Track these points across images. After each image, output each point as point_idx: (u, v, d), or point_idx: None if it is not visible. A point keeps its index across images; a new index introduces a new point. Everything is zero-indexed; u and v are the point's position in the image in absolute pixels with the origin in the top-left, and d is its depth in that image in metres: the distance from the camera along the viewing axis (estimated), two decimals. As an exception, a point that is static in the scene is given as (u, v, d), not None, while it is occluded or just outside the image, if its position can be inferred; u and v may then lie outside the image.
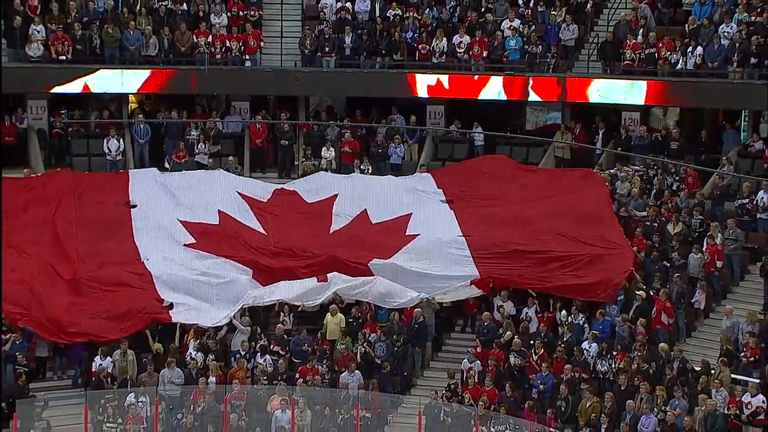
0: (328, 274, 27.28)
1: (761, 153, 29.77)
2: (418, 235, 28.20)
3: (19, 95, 32.16)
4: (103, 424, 24.66)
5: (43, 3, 32.34)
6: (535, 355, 25.79)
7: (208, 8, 33.21)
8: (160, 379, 25.45)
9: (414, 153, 32.65)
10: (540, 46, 32.30)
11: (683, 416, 23.31)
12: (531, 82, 31.72)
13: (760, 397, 23.22)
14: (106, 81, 31.92)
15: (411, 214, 28.76)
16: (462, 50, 32.45)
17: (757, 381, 23.72)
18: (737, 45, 30.25)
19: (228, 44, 32.70)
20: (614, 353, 25.42)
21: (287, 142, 32.51)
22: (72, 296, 26.73)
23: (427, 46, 32.59)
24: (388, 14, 33.39)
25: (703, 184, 29.54)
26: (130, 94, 32.96)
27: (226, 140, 32.68)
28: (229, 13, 33.32)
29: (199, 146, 31.88)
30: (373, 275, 27.44)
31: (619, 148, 30.95)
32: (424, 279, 27.50)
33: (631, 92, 31.15)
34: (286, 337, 26.73)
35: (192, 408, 24.83)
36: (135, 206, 28.75)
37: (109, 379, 25.54)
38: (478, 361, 26.03)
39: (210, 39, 32.54)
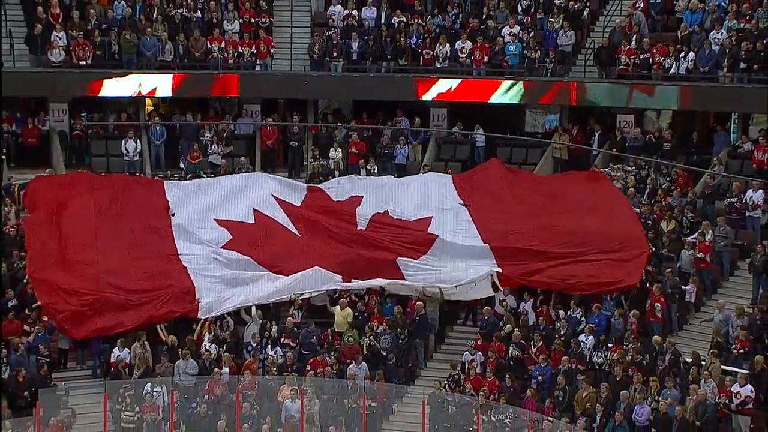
0: (352, 280, 27.37)
1: (750, 154, 29.70)
2: (438, 236, 28.05)
3: (42, 99, 32.25)
4: (121, 412, 24.68)
5: (65, 11, 32.39)
6: (534, 348, 25.79)
7: (221, 15, 33.27)
8: (176, 369, 25.44)
9: (418, 154, 32.65)
10: (539, 52, 32.32)
11: (675, 405, 23.29)
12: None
13: (749, 387, 23.18)
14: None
15: (431, 217, 28.62)
16: (464, 55, 32.47)
17: (746, 372, 23.65)
18: (727, 51, 30.24)
19: (240, 50, 32.73)
20: (609, 345, 25.40)
21: (297, 143, 32.55)
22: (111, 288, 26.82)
23: (431, 52, 32.63)
24: (393, 21, 33.39)
25: (694, 184, 29.51)
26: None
27: (239, 141, 32.72)
28: (241, 20, 33.36)
29: (213, 147, 31.91)
30: (402, 274, 27.49)
31: (615, 149, 30.97)
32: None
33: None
34: (295, 329, 26.76)
35: (207, 397, 24.81)
36: (173, 214, 28.69)
37: (126, 369, 25.60)
38: (479, 353, 26.04)
39: (223, 45, 32.60)
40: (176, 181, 30.21)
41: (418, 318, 27.10)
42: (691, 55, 30.68)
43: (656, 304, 26.00)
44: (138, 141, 31.78)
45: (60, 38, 31.78)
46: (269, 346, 26.34)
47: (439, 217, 28.62)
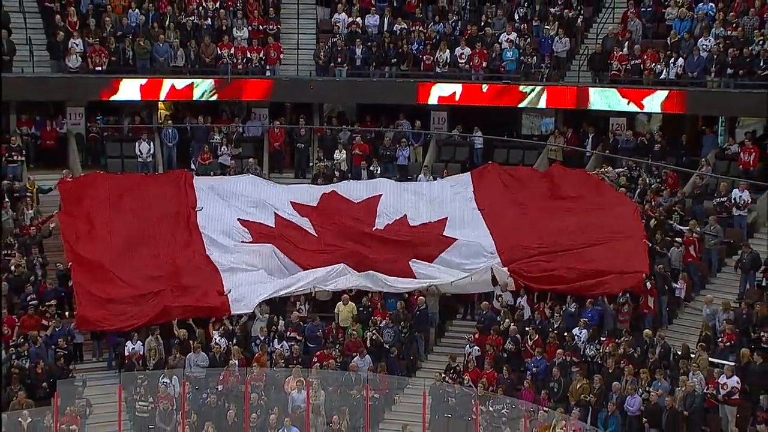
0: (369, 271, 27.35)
1: (736, 155, 29.71)
2: (455, 240, 28.01)
3: (60, 103, 32.26)
4: (135, 402, 24.70)
5: (82, 19, 32.43)
6: (530, 341, 25.80)
7: (230, 23, 33.28)
8: (187, 362, 25.47)
9: (419, 155, 32.64)
10: (534, 58, 32.30)
11: (665, 396, 23.31)
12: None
13: (735, 378, 23.20)
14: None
15: (447, 218, 28.54)
16: (463, 61, 32.45)
17: (733, 364, 23.69)
18: (715, 57, 30.22)
19: (249, 55, 32.74)
20: (602, 339, 25.42)
21: (303, 145, 32.54)
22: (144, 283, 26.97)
23: (431, 57, 32.60)
24: (395, 28, 33.38)
25: (683, 184, 29.52)
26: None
27: (247, 143, 32.75)
28: (249, 27, 33.36)
29: (222, 149, 31.89)
30: (415, 275, 27.48)
31: (607, 151, 30.96)
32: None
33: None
34: (301, 324, 26.78)
35: (220, 387, 24.83)
36: (201, 209, 28.74)
37: (140, 361, 25.65)
38: (476, 347, 26.05)
39: (232, 51, 32.59)
40: (204, 178, 30.18)
41: (419, 312, 27.11)
42: (681, 61, 30.66)
43: (650, 297, 26.04)
44: (151, 143, 31.79)
45: (77, 45, 31.77)
46: (276, 339, 26.35)
47: (455, 221, 28.50)
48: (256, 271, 27.64)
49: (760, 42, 29.72)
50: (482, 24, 33.36)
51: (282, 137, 32.73)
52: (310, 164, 32.45)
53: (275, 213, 28.84)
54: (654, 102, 30.85)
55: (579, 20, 33.18)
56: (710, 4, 31.56)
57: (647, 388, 23.65)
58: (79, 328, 26.32)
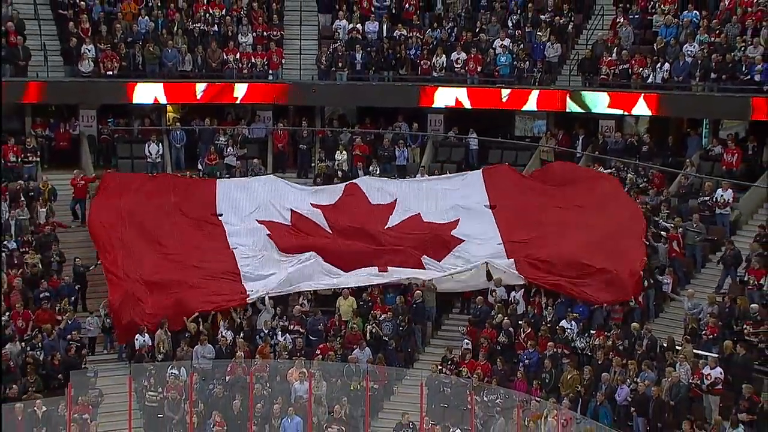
0: (388, 267, 27.34)
1: (720, 156, 29.69)
2: (464, 240, 27.99)
3: (73, 106, 32.27)
4: (145, 392, 24.73)
5: (94, 26, 32.43)
6: (523, 334, 25.82)
7: (236, 29, 33.27)
8: (194, 354, 25.52)
9: (417, 156, 32.65)
10: (527, 62, 32.34)
11: (651, 386, 23.31)
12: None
13: (718, 369, 23.23)
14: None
15: (458, 219, 28.54)
16: (459, 65, 32.48)
17: (716, 355, 23.73)
18: (699, 62, 30.21)
19: (253, 60, 32.77)
20: (592, 332, 25.45)
21: (305, 146, 32.55)
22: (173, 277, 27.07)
23: (428, 62, 32.62)
24: (393, 34, 33.40)
25: (669, 184, 29.53)
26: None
27: (252, 144, 32.74)
28: (254, 34, 33.36)
29: (228, 150, 31.92)
30: (425, 268, 27.47)
31: (597, 152, 30.98)
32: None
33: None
34: (304, 317, 26.80)
35: (227, 379, 24.84)
36: (221, 215, 28.85)
37: (149, 353, 25.67)
38: (468, 339, 26.04)
39: (238, 56, 32.61)
40: (227, 180, 30.23)
41: (415, 305, 27.14)
42: (667, 65, 30.65)
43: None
44: (160, 144, 31.78)
45: (89, 51, 31.78)
46: (280, 332, 26.38)
47: (466, 220, 28.48)
48: (275, 270, 27.56)
49: (742, 48, 29.70)
50: (477, 30, 33.38)
51: (285, 139, 32.72)
52: (312, 164, 32.47)
53: (291, 210, 28.83)
54: (638, 106, 30.90)
55: (570, 27, 33.19)
56: (695, 11, 31.55)
57: (635, 379, 23.65)
58: (121, 342, 26.35)
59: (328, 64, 32.82)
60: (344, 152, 31.97)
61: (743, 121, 30.84)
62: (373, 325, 26.48)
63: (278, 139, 32.66)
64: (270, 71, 32.77)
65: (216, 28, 33.29)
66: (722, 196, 27.91)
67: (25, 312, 25.94)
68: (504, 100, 31.96)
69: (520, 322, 26.08)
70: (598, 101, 31.25)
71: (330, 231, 28.63)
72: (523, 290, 26.95)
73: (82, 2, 32.80)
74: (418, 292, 27.21)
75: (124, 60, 32.00)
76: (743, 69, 29.41)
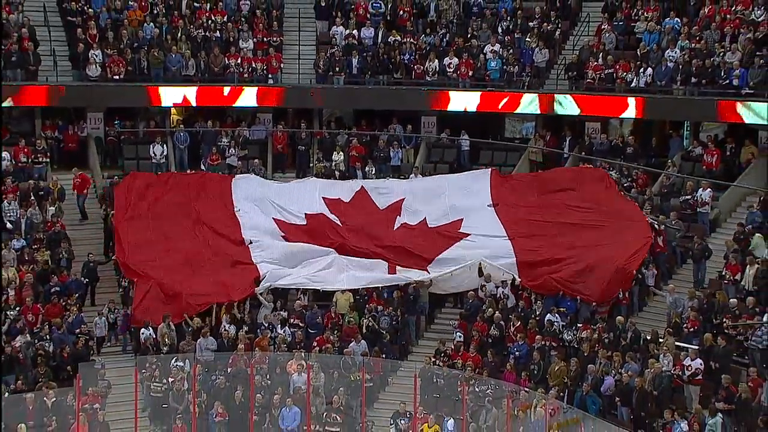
0: (397, 267, 27.25)
1: (700, 157, 29.77)
2: (469, 234, 27.89)
3: (81, 108, 32.23)
4: (150, 383, 24.76)
5: (101, 32, 32.40)
6: (513, 327, 25.85)
7: (237, 35, 33.25)
8: (197, 346, 25.55)
9: (410, 156, 32.67)
10: (516, 67, 32.36)
11: (635, 377, 23.40)
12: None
13: (699, 360, 23.30)
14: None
15: (462, 219, 28.44)
16: (451, 70, 32.50)
17: (696, 347, 23.80)
18: (680, 67, 30.28)
19: (254, 65, 32.76)
20: (578, 325, 25.49)
21: (304, 148, 32.55)
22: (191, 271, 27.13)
23: (422, 67, 32.64)
24: (388, 40, 33.40)
25: (653, 183, 29.58)
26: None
27: (252, 145, 32.71)
28: (254, 39, 33.34)
29: (230, 151, 31.91)
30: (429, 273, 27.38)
31: (583, 153, 31.02)
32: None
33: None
34: (303, 311, 26.82)
35: (229, 370, 24.87)
36: (239, 210, 28.87)
37: (154, 346, 25.70)
38: (460, 333, 26.09)
39: (239, 61, 32.59)
40: (243, 179, 30.14)
41: (411, 297, 27.18)
42: (649, 70, 30.70)
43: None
44: (164, 145, 31.73)
45: (96, 56, 31.76)
46: (279, 325, 26.40)
47: (471, 218, 28.38)
48: (284, 263, 27.61)
49: (721, 54, 29.77)
50: (468, 36, 33.39)
51: (284, 140, 32.73)
52: (310, 165, 32.46)
53: (305, 213, 28.77)
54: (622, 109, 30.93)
55: (557, 33, 33.23)
56: (676, 19, 31.58)
57: (619, 370, 23.71)
58: (132, 323, 26.30)
59: (325, 68, 32.82)
60: (341, 153, 31.98)
61: (722, 123, 30.89)
62: (369, 318, 26.49)
63: (278, 140, 32.67)
64: (270, 75, 32.74)
65: (218, 33, 33.27)
66: (702, 195, 27.95)
67: (35, 306, 25.94)
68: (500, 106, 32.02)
69: (510, 316, 26.10)
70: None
71: (343, 230, 28.49)
72: (509, 285, 26.90)
73: (89, 10, 32.80)
74: (412, 285, 27.18)
75: (130, 65, 31.96)
76: (722, 74, 29.46)
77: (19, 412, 22.96)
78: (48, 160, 30.73)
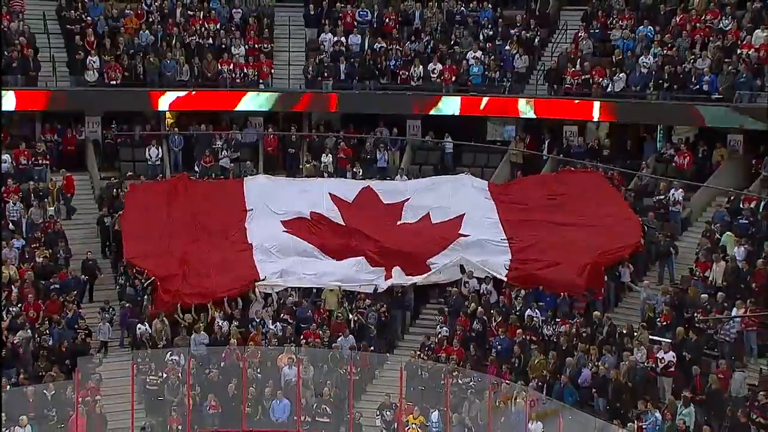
0: (392, 269, 27.18)
1: (673, 159, 29.91)
2: (468, 235, 27.79)
3: (79, 113, 32.11)
4: (146, 376, 24.75)
5: (99, 39, 32.32)
6: (494, 322, 25.89)
7: (229, 42, 33.20)
8: (191, 341, 25.48)
9: (396, 158, 32.64)
10: (498, 73, 32.41)
11: (611, 369, 23.49)
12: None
13: (671, 353, 23.41)
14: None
15: (464, 214, 28.33)
16: (435, 75, 32.52)
17: (669, 341, 23.89)
18: (653, 73, 30.40)
19: (245, 71, 32.73)
20: (557, 320, 25.54)
21: (293, 150, 32.53)
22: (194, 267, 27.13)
23: (407, 72, 32.63)
24: (375, 46, 33.41)
25: (628, 184, 29.66)
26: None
27: (244, 148, 32.60)
28: (246, 46, 33.29)
29: (223, 153, 31.84)
30: (430, 269, 27.32)
31: (561, 155, 31.09)
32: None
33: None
34: (293, 307, 26.80)
35: (222, 364, 24.87)
36: (252, 209, 28.83)
37: (149, 341, 25.64)
38: (445, 327, 26.13)
39: (231, 66, 32.54)
40: (254, 180, 30.09)
41: (397, 294, 27.19)
42: (624, 76, 30.81)
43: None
44: (159, 148, 31.65)
45: (94, 62, 31.70)
46: (270, 321, 26.38)
47: (471, 215, 28.30)
48: (289, 257, 27.59)
49: (692, 60, 29.92)
50: (452, 43, 33.41)
51: (275, 143, 32.69)
52: (300, 166, 32.37)
53: (311, 211, 28.66)
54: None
55: (536, 40, 33.30)
56: (649, 27, 31.70)
57: (596, 363, 23.79)
58: (157, 308, 26.16)
59: (314, 74, 32.80)
60: (329, 155, 31.94)
61: (693, 127, 31.00)
62: (357, 315, 26.50)
63: (269, 143, 32.63)
64: (260, 81, 32.71)
65: (211, 40, 33.20)
66: (674, 195, 28.05)
67: (36, 303, 25.88)
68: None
69: (492, 312, 26.14)
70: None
71: (344, 224, 28.37)
72: (492, 281, 26.95)
73: (88, 18, 32.71)
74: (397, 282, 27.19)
75: (127, 70, 31.87)
76: (693, 79, 29.59)
77: (20, 404, 22.89)
78: (47, 162, 30.61)
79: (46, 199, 29.09)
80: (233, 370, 24.71)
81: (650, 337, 24.19)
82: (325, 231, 28.31)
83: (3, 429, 21.90)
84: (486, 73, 32.36)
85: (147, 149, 31.61)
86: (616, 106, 30.70)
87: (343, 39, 33.50)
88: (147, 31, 32.81)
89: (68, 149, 31.72)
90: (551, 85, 31.99)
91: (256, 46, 33.40)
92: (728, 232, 26.22)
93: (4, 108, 28.63)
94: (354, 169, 31.55)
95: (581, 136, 31.67)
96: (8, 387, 23.39)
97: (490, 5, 34.17)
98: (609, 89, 30.97)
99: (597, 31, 32.73)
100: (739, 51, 29.24)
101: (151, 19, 33.30)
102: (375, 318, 26.51)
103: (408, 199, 29.13)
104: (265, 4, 34.69)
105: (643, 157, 30.76)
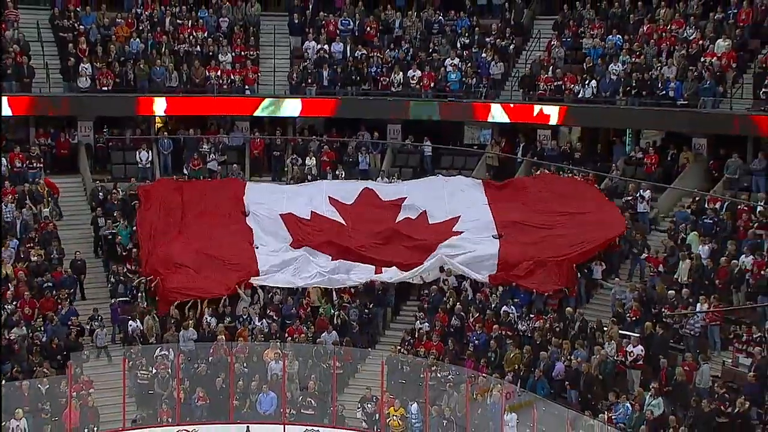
0: (383, 269, 27.15)
1: (641, 161, 30.07)
2: (462, 232, 27.79)
3: (72, 117, 31.97)
4: (137, 371, 24.70)
5: (91, 46, 32.20)
6: (472, 318, 25.98)
7: (217, 49, 33.15)
8: (180, 337, 25.48)
9: (377, 161, 32.67)
10: (474, 79, 32.51)
11: (583, 363, 23.61)
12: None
13: (640, 347, 23.55)
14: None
15: (460, 216, 28.34)
16: (414, 81, 32.60)
17: (638, 335, 24.05)
18: (622, 80, 30.57)
19: (232, 77, 32.70)
20: (531, 316, 25.67)
21: (279, 153, 32.52)
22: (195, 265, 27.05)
23: (387, 78, 32.70)
24: (357, 54, 33.46)
25: (598, 185, 29.82)
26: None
27: (231, 151, 32.53)
28: (233, 53, 33.26)
29: (210, 156, 31.80)
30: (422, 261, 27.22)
31: (535, 158, 31.21)
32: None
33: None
34: (279, 305, 26.80)
35: (210, 359, 24.83)
36: (248, 214, 28.73)
37: (140, 338, 25.61)
38: (426, 323, 26.23)
39: (219, 73, 32.51)
40: (255, 184, 30.08)
41: (378, 291, 27.24)
42: (594, 82, 30.98)
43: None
44: (149, 152, 31.58)
45: (86, 68, 31.58)
46: (257, 317, 26.37)
47: (466, 215, 28.30)
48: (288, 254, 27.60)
49: (658, 68, 30.12)
50: (430, 50, 33.49)
51: (261, 146, 32.67)
52: (285, 169, 32.34)
53: (312, 211, 28.64)
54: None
55: (511, 48, 33.44)
56: (618, 36, 31.88)
57: (569, 356, 23.91)
58: (163, 309, 26.14)
59: (298, 80, 32.81)
60: (313, 158, 31.95)
61: (660, 131, 31.21)
62: (340, 311, 26.52)
63: (255, 146, 32.59)
64: (246, 87, 32.69)
65: (199, 48, 33.16)
66: (642, 196, 28.20)
67: (32, 300, 25.79)
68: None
69: (469, 308, 26.23)
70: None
71: (344, 223, 28.32)
72: (469, 279, 27.01)
73: (80, 26, 32.58)
74: (379, 281, 27.23)
75: (118, 77, 31.77)
76: (659, 86, 29.78)
77: (15, 398, 22.81)
78: (41, 165, 30.45)
79: (42, 202, 28.93)
80: (221, 365, 24.66)
81: (620, 331, 24.32)
82: (325, 231, 28.25)
83: (-1, 422, 21.84)
84: (463, 79, 32.46)
85: (137, 153, 31.50)
86: (588, 111, 30.74)
87: (326, 47, 33.52)
88: (137, 39, 32.70)
89: (61, 152, 31.58)
90: (525, 91, 32.10)
91: (243, 53, 33.37)
92: (694, 232, 26.39)
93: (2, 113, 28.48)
94: (336, 172, 31.57)
95: (554, 140, 31.81)
96: (3, 381, 23.29)
97: (466, 15, 34.32)
98: (580, 95, 31.11)
99: (569, 39, 32.89)
100: (702, 59, 29.44)
101: (141, 28, 33.19)
102: (357, 314, 26.54)
103: (405, 198, 29.12)
104: (251, 14, 34.66)
105: (613, 159, 30.90)
